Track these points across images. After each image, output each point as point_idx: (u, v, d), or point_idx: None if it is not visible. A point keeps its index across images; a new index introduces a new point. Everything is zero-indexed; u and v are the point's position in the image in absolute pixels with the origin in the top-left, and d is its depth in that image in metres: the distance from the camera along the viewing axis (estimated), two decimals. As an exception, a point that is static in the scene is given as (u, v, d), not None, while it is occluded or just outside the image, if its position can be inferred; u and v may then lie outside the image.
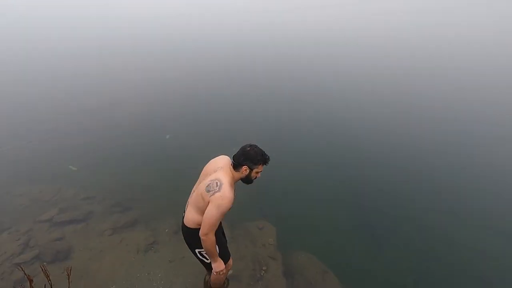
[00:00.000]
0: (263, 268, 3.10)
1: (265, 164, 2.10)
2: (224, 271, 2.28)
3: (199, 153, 5.41)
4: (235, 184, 2.09)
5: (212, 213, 1.89)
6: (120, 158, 5.37)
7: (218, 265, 2.17)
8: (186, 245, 2.28)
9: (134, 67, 12.22)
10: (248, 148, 2.04)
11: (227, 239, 2.54)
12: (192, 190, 2.21)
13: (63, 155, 5.43)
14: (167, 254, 3.19)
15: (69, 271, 1.47)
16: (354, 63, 13.45)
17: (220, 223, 2.23)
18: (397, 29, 21.99)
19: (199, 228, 2.05)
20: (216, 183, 1.93)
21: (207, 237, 1.94)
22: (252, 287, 2.87)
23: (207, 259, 2.22)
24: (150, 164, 5.20)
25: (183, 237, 2.26)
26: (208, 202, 1.92)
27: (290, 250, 3.45)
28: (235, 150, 2.12)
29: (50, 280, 1.53)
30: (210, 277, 2.49)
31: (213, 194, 1.90)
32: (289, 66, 13.00)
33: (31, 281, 1.51)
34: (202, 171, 2.19)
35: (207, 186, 1.95)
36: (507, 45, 16.22)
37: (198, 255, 2.24)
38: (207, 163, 2.21)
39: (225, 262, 2.27)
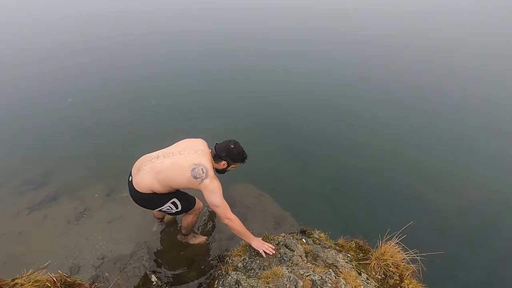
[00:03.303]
0: (206, 204, 3.26)
1: (242, 163, 2.15)
2: (197, 213, 2.40)
3: (106, 115, 4.95)
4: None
5: (214, 198, 1.91)
6: (15, 131, 4.50)
7: (257, 244, 2.02)
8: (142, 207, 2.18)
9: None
10: (232, 146, 2.05)
11: None
12: (156, 155, 2.03)
13: None
14: (103, 217, 3.05)
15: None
16: None
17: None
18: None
19: (154, 193, 2.01)
20: (202, 169, 1.90)
21: (230, 220, 1.93)
22: (199, 220, 3.03)
23: (175, 209, 2.18)
24: (56, 133, 4.54)
25: (134, 201, 2.11)
26: (194, 185, 1.92)
27: (229, 184, 3.67)
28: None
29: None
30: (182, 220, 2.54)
31: (202, 181, 1.89)
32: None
33: None
34: (179, 143, 2.12)
35: (192, 170, 1.89)
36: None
37: (163, 210, 2.19)
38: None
39: (193, 205, 2.32)
